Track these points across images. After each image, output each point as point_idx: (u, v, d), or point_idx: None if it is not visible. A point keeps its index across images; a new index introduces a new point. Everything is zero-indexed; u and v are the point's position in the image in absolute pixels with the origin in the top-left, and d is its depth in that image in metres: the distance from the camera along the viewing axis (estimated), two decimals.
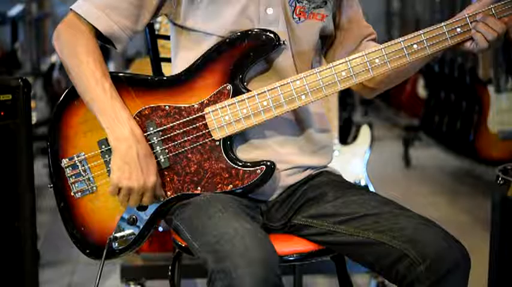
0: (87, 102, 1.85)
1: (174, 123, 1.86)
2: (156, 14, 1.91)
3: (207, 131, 1.85)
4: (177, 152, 1.87)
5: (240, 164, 1.85)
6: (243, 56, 1.85)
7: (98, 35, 1.88)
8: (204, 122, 1.85)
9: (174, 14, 1.92)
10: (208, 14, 1.87)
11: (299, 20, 1.91)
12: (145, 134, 1.87)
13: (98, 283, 1.83)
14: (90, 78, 1.83)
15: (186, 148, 1.86)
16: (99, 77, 1.83)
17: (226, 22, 1.87)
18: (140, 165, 1.81)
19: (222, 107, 1.85)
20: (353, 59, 1.83)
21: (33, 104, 2.44)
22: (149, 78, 1.91)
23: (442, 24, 1.82)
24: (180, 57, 1.94)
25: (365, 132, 3.58)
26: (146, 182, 1.81)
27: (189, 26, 1.90)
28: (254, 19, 1.87)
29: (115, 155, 1.81)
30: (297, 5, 1.90)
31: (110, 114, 1.82)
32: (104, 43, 1.92)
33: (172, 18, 1.93)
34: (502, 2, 1.82)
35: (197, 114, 1.86)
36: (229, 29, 1.86)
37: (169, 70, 2.01)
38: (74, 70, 1.86)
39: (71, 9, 1.89)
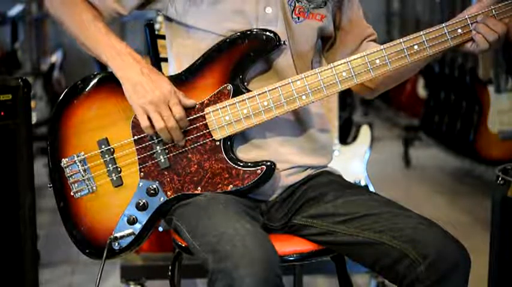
0: (83, 43, 1.88)
1: None
2: (144, 4, 1.92)
3: (207, 131, 1.85)
4: (177, 152, 1.87)
5: (240, 164, 1.85)
6: (244, 56, 1.85)
7: None
8: (204, 122, 1.85)
9: (168, 9, 1.91)
10: (206, 11, 1.87)
11: (298, 19, 1.91)
12: (145, 134, 1.87)
13: (99, 283, 1.83)
14: (83, 21, 1.87)
15: (186, 148, 1.86)
16: (91, 18, 1.87)
17: (224, 20, 1.87)
18: (150, 79, 1.81)
19: (223, 107, 1.85)
20: (353, 59, 1.83)
21: (33, 104, 2.44)
22: None
23: (443, 25, 1.83)
24: (176, 54, 1.95)
25: (365, 132, 3.58)
26: (162, 88, 1.81)
27: (186, 22, 1.90)
28: (253, 18, 1.87)
29: (125, 85, 1.83)
30: (297, 4, 1.90)
31: (107, 47, 1.85)
32: None
33: (167, 14, 1.93)
34: (503, 3, 1.82)
35: (197, 115, 1.86)
36: (228, 27, 1.86)
37: (169, 71, 2.01)
38: (67, 20, 1.90)
39: None
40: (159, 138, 1.86)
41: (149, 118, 1.82)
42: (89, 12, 1.89)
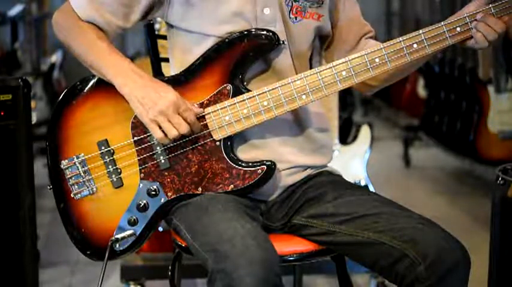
0: (90, 66, 1.88)
1: None
2: (147, 15, 1.92)
3: (207, 131, 1.86)
4: (177, 152, 1.87)
5: (241, 164, 1.85)
6: (243, 56, 1.85)
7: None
8: (204, 122, 1.85)
9: (169, 16, 1.92)
10: (204, 15, 1.87)
11: (296, 19, 1.91)
12: (145, 135, 1.87)
13: (101, 284, 1.83)
14: (87, 42, 1.88)
15: (186, 149, 1.86)
16: (95, 38, 1.88)
17: (223, 23, 1.87)
18: (155, 90, 1.81)
19: (223, 108, 1.85)
20: (353, 58, 1.83)
21: (33, 104, 2.45)
22: None
23: (442, 23, 1.83)
24: (178, 60, 1.95)
25: (365, 132, 3.57)
26: (168, 97, 1.80)
27: (185, 27, 1.91)
28: (251, 19, 1.87)
29: (132, 100, 1.83)
30: (294, 4, 1.90)
31: (111, 67, 1.85)
32: None
33: (167, 20, 1.94)
34: (502, 2, 1.81)
35: (197, 115, 1.85)
36: (226, 30, 1.87)
37: (169, 71, 2.01)
38: (71, 40, 1.91)
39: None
40: None
41: (162, 129, 1.81)
42: (92, 33, 1.89)
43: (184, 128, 1.80)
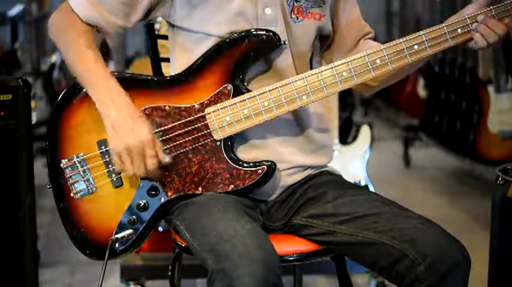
0: (77, 76, 1.86)
1: (175, 123, 1.86)
2: (148, 14, 1.92)
3: (207, 131, 1.85)
4: (177, 152, 1.87)
5: (241, 164, 1.85)
6: (244, 56, 1.85)
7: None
8: (204, 122, 1.85)
9: (170, 16, 1.92)
10: (205, 14, 1.87)
11: (297, 19, 1.91)
12: None
13: (101, 284, 1.83)
14: (76, 50, 1.86)
15: (186, 149, 1.86)
16: (84, 48, 1.85)
17: (224, 23, 1.87)
18: (131, 124, 1.80)
19: (223, 108, 1.85)
20: (354, 59, 1.83)
21: (33, 104, 2.45)
22: (149, 78, 1.91)
23: (443, 25, 1.83)
24: (179, 59, 1.94)
25: (365, 132, 3.57)
26: (141, 135, 1.79)
27: (187, 27, 1.91)
28: (252, 19, 1.87)
29: (105, 121, 1.82)
30: (295, 4, 1.90)
31: (95, 80, 1.83)
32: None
33: (169, 20, 1.94)
34: (503, 3, 1.82)
35: (198, 115, 1.86)
36: (228, 30, 1.87)
37: (169, 71, 2.01)
38: (63, 45, 1.89)
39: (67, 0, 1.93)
40: (160, 139, 1.86)
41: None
42: (82, 39, 1.86)
43: (141, 173, 1.81)
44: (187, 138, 1.86)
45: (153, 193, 1.88)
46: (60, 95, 1.92)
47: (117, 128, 1.80)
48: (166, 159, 1.83)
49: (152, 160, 1.80)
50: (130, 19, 1.91)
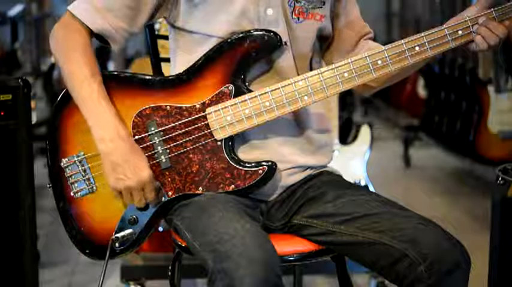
0: (75, 100, 1.85)
1: (176, 123, 1.86)
2: (153, 16, 1.92)
3: (208, 131, 1.85)
4: (178, 152, 1.87)
5: (242, 164, 1.85)
6: (245, 57, 1.85)
7: (94, 34, 1.89)
8: (205, 122, 1.85)
9: (172, 16, 1.92)
10: (207, 15, 1.87)
11: (298, 20, 1.91)
12: (146, 134, 1.87)
13: (101, 284, 1.83)
14: (79, 76, 1.84)
15: (187, 148, 1.86)
16: (88, 75, 1.83)
17: (225, 23, 1.87)
18: (131, 162, 1.81)
19: (224, 108, 1.85)
20: (355, 60, 1.83)
21: (33, 104, 2.44)
22: (149, 78, 1.91)
23: (444, 26, 1.83)
24: (180, 60, 1.94)
25: (365, 132, 3.58)
26: (141, 176, 1.81)
27: (189, 28, 1.90)
28: (254, 20, 1.87)
29: (104, 159, 1.82)
30: (296, 5, 1.90)
31: (94, 114, 1.82)
32: (101, 42, 1.92)
33: (171, 20, 1.94)
34: (503, 6, 1.82)
35: (199, 115, 1.85)
36: (229, 30, 1.86)
37: (169, 71, 2.01)
38: (65, 67, 1.87)
39: (67, 9, 1.90)
40: (160, 139, 1.86)
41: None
42: (87, 68, 1.84)
43: (141, 204, 1.84)
44: (188, 138, 1.86)
45: None
46: (61, 94, 1.92)
47: (119, 169, 1.80)
48: (159, 185, 1.86)
49: (151, 194, 1.83)
50: (137, 23, 1.90)
